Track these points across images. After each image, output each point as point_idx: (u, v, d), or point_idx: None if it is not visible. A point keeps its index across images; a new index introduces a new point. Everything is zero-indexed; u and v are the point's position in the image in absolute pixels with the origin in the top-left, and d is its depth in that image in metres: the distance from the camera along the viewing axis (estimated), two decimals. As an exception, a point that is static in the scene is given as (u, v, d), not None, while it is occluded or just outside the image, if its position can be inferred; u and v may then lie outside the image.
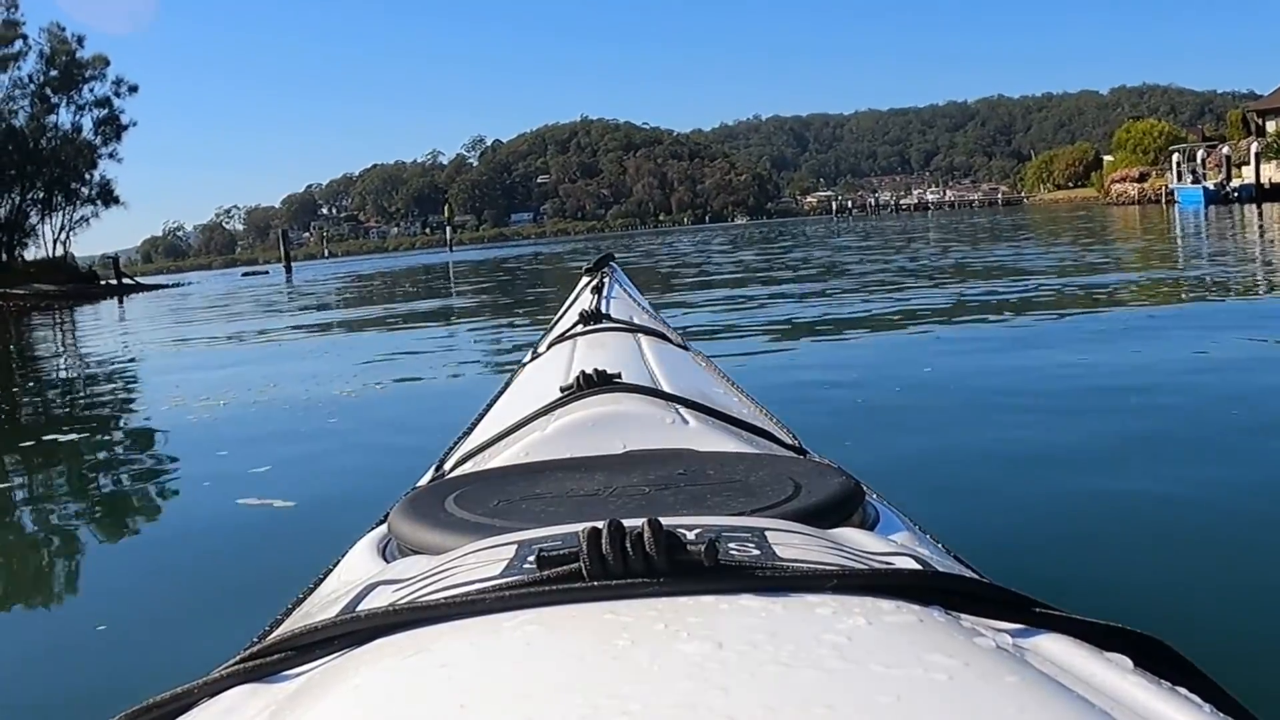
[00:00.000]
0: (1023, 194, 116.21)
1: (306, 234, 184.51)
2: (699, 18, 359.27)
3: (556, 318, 2.93)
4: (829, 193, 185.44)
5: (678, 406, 1.40)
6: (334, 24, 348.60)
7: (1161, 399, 4.13)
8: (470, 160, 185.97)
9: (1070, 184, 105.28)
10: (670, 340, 2.24)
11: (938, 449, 3.54)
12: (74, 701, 2.03)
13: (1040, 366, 5.13)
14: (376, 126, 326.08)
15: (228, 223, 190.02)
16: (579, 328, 2.24)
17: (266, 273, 58.42)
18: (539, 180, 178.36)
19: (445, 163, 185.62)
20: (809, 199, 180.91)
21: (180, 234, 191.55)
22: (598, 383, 1.41)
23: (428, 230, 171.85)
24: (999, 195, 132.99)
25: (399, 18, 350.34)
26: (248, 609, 1.94)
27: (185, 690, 0.61)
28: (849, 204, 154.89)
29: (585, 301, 2.70)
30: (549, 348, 2.27)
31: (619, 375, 1.46)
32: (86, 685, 2.11)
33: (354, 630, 0.61)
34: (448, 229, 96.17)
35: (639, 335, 2.10)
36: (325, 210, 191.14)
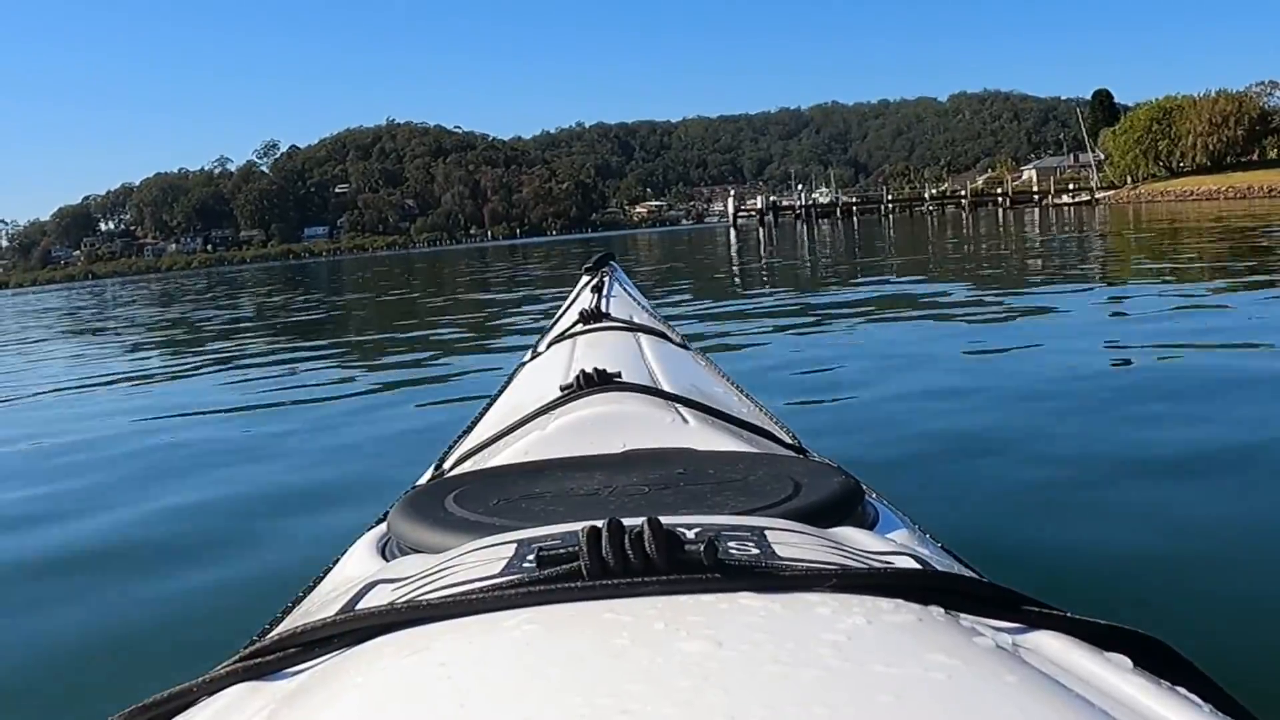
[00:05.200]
0: (1094, 183, 66.91)
1: (76, 252, 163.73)
2: (514, 23, 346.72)
3: (556, 317, 2.89)
4: (659, 202, 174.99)
5: (677, 406, 1.40)
6: (116, 27, 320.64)
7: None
8: (261, 167, 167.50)
9: (1213, 164, 58.58)
10: (670, 339, 2.22)
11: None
12: (73, 700, 2.03)
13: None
14: (164, 131, 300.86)
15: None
16: (579, 326, 2.23)
17: None
18: (337, 190, 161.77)
19: (234, 170, 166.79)
20: (638, 209, 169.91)
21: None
22: (598, 382, 1.41)
23: (209, 248, 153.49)
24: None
25: (192, 23, 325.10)
26: (247, 607, 2.08)
27: (185, 688, 0.60)
28: (851, 200, 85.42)
29: (585, 300, 2.67)
30: (549, 347, 2.26)
31: (619, 374, 1.45)
32: (86, 684, 2.10)
33: (353, 629, 0.61)
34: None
35: (639, 334, 2.10)
36: (103, 225, 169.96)
